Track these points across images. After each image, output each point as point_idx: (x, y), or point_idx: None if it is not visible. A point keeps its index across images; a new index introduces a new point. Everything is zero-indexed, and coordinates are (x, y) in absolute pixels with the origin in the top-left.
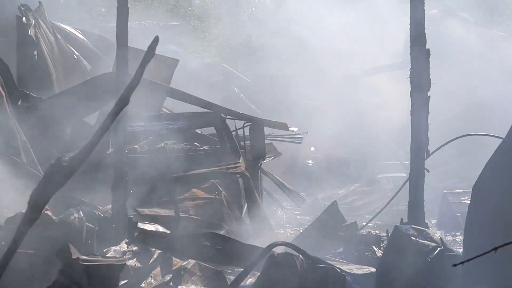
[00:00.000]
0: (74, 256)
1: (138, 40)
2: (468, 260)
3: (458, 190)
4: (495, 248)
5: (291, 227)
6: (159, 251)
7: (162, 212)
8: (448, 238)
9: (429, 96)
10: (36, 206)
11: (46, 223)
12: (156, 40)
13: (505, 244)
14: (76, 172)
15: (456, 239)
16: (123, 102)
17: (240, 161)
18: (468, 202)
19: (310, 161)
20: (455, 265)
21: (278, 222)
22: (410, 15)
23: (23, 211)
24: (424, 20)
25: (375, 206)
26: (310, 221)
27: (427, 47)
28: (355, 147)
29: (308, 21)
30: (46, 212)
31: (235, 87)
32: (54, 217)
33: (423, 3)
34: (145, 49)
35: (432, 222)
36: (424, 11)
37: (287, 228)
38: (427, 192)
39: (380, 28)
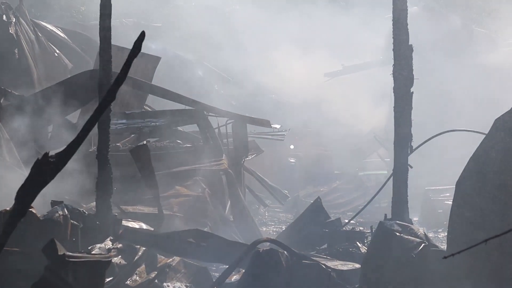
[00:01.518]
0: (60, 252)
1: (120, 38)
2: (458, 252)
3: (440, 187)
4: (485, 240)
5: (274, 224)
6: (144, 248)
7: (146, 209)
8: (430, 235)
9: (412, 92)
10: (22, 204)
11: (30, 220)
12: (142, 35)
13: (495, 236)
14: (62, 168)
15: (438, 236)
16: (109, 97)
17: (223, 158)
18: (450, 199)
19: (291, 159)
20: (445, 257)
21: (260, 220)
22: (392, 11)
23: (7, 209)
24: (407, 15)
25: (357, 204)
26: (293, 219)
27: (409, 43)
28: (335, 144)
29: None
30: (30, 210)
31: (216, 84)
32: (38, 215)
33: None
34: (127, 46)
35: (414, 219)
36: (407, 6)
37: (269, 226)
38: (409, 190)
39: (361, 24)
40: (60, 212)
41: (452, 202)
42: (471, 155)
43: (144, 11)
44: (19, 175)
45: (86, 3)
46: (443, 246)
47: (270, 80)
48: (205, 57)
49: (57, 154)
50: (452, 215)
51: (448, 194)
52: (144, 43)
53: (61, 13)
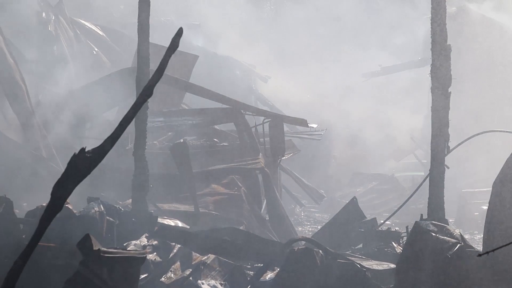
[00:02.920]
0: (95, 248)
1: (158, 36)
2: (493, 250)
3: (477, 189)
4: None
5: (309, 224)
6: (179, 245)
7: (181, 207)
8: (466, 237)
9: (450, 92)
10: (58, 198)
11: (67, 216)
12: (180, 32)
13: None
14: (98, 164)
15: (474, 238)
16: (146, 94)
17: (260, 157)
18: (486, 202)
19: (332, 158)
20: (480, 255)
21: (296, 220)
22: (431, 11)
23: (44, 204)
24: (445, 15)
25: (393, 205)
26: (328, 219)
27: (448, 43)
28: (372, 145)
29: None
30: (66, 205)
31: (253, 83)
32: (74, 211)
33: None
34: (165, 45)
35: (450, 221)
36: (445, 6)
37: (305, 226)
38: (446, 191)
39: (399, 25)
40: (96, 208)
41: (489, 201)
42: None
43: (183, 8)
44: (56, 171)
45: (125, 2)
46: (479, 248)
47: (306, 80)
48: (243, 56)
49: (93, 149)
50: (489, 214)
51: (484, 198)
52: (182, 41)
53: (100, 11)
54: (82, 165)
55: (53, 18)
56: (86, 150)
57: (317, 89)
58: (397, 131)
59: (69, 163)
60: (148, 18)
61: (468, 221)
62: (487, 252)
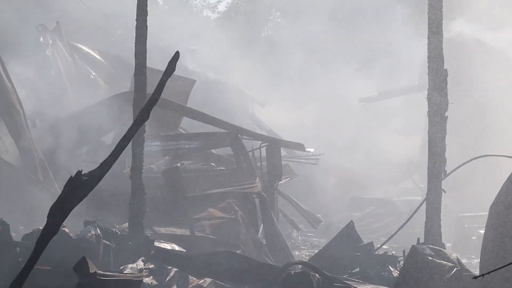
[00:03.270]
0: (91, 271)
1: (155, 61)
2: (488, 273)
3: (474, 213)
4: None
5: (306, 249)
6: (176, 269)
7: (178, 231)
8: (464, 261)
9: (447, 116)
10: (55, 221)
11: (63, 240)
12: (177, 56)
13: None
14: (94, 187)
15: (472, 262)
16: (143, 118)
17: (257, 181)
18: (483, 226)
19: (326, 183)
20: (475, 277)
21: (293, 244)
22: (428, 37)
23: (40, 227)
24: (442, 41)
25: (390, 229)
26: (325, 243)
27: (444, 68)
28: (370, 169)
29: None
30: (63, 229)
31: (250, 108)
32: (71, 234)
33: (441, 25)
34: (162, 69)
35: (448, 245)
36: (442, 32)
37: (302, 250)
38: (443, 215)
39: (397, 50)
40: (93, 232)
41: (486, 225)
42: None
43: (180, 34)
44: (53, 194)
45: (122, 26)
46: (476, 272)
47: (302, 105)
48: (240, 81)
49: (89, 172)
50: (485, 238)
51: (482, 222)
52: (179, 66)
53: (98, 35)
54: (78, 188)
55: (51, 42)
56: (83, 173)
57: (315, 114)
58: (395, 155)
59: (66, 186)
60: (145, 43)
61: (465, 245)
62: (483, 275)
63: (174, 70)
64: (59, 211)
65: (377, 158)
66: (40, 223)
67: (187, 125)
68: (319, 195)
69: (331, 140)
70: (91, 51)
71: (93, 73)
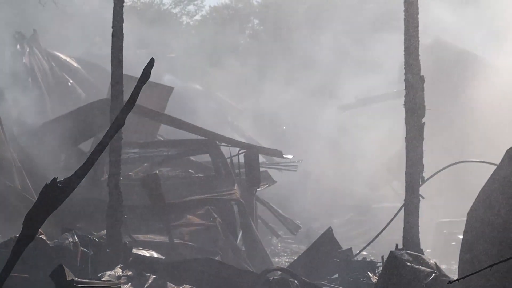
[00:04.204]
0: (68, 278)
1: (133, 69)
2: (464, 277)
3: (452, 219)
4: (491, 266)
5: (286, 255)
6: (154, 276)
7: (156, 238)
8: (443, 267)
9: (424, 123)
10: (30, 228)
11: (40, 247)
12: (151, 62)
13: (500, 262)
14: (70, 194)
15: (451, 268)
16: (118, 124)
17: (235, 188)
18: (462, 231)
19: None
20: (450, 282)
21: (273, 251)
22: (404, 43)
23: (17, 235)
24: (418, 47)
25: (369, 236)
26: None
27: (421, 74)
28: (349, 175)
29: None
30: (40, 236)
31: (229, 116)
32: (48, 242)
33: (418, 31)
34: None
35: (427, 251)
36: (418, 38)
37: (282, 257)
38: (421, 221)
39: (374, 57)
40: (70, 239)
41: (464, 231)
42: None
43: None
44: (30, 202)
45: (100, 34)
46: (455, 278)
47: (283, 112)
48: (219, 88)
49: (65, 179)
50: (463, 244)
51: (461, 228)
52: (158, 74)
53: (76, 43)
54: (54, 195)
55: (28, 50)
56: (58, 180)
57: (294, 120)
58: (374, 161)
59: (41, 194)
60: (122, 50)
61: (445, 251)
62: (458, 280)
63: (149, 76)
64: (35, 218)
65: (356, 165)
66: (17, 231)
67: (165, 132)
68: (298, 202)
69: (310, 146)
70: (68, 59)
71: (71, 81)
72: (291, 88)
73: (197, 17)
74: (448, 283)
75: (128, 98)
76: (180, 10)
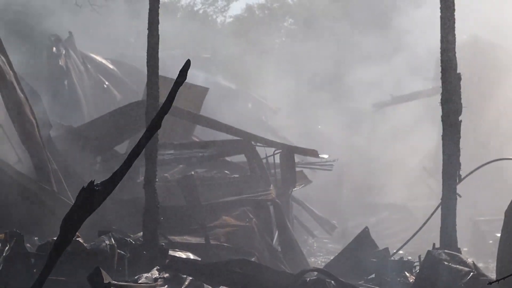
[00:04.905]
0: (105, 281)
1: (168, 70)
2: (503, 278)
3: (490, 218)
4: None
5: (322, 255)
6: (191, 278)
7: (193, 240)
8: (480, 265)
9: (461, 121)
10: (68, 232)
11: (77, 250)
12: (188, 64)
13: None
14: (107, 197)
15: (489, 266)
16: (154, 126)
17: (271, 188)
18: (500, 230)
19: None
20: (490, 283)
21: (309, 251)
22: (441, 40)
23: (54, 238)
24: (455, 44)
25: (405, 234)
26: (341, 249)
27: (458, 72)
28: (385, 174)
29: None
30: (77, 239)
31: (263, 115)
32: (85, 244)
33: (454, 28)
34: (175, 78)
35: (464, 249)
36: (455, 35)
37: (318, 257)
38: (458, 220)
39: (410, 54)
40: (107, 242)
41: (501, 229)
42: None
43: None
44: (67, 205)
45: (134, 35)
46: (493, 277)
47: (316, 112)
48: (254, 88)
49: (102, 182)
50: (501, 243)
51: (498, 225)
52: (193, 74)
53: (111, 45)
54: (91, 198)
55: (64, 52)
56: (95, 183)
57: (328, 119)
58: (410, 160)
59: (78, 197)
60: (157, 50)
61: (482, 249)
62: (497, 280)
63: (185, 78)
64: (72, 221)
65: (392, 163)
66: (55, 234)
67: (200, 133)
68: (334, 201)
69: (345, 145)
70: (104, 61)
71: (106, 83)
72: (325, 87)
73: (231, 16)
74: (488, 284)
75: (165, 101)
76: (213, 9)
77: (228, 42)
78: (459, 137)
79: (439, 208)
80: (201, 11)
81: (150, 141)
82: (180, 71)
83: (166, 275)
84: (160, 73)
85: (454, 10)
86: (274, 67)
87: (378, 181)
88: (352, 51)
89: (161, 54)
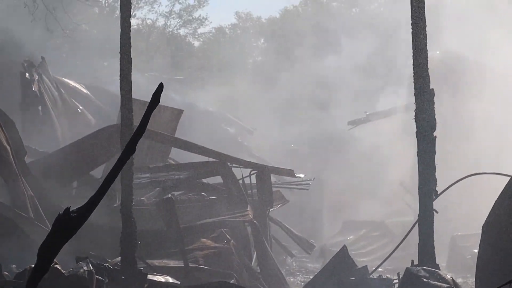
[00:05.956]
0: None
1: (142, 92)
2: None
3: (468, 232)
4: (509, 282)
5: (301, 274)
6: None
7: (171, 263)
8: (459, 280)
9: (435, 136)
10: (45, 259)
11: (55, 277)
12: (161, 87)
13: None
14: (84, 223)
15: (468, 281)
16: (129, 151)
17: (248, 209)
18: (477, 245)
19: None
20: None
21: (288, 270)
22: (413, 56)
23: (32, 266)
24: (427, 60)
25: (384, 251)
26: (320, 268)
27: (431, 87)
28: (362, 192)
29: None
30: (55, 266)
31: (239, 136)
32: (63, 271)
33: (426, 44)
34: (148, 100)
35: (442, 265)
36: (427, 52)
37: (297, 276)
38: (436, 235)
39: (384, 71)
40: (85, 268)
41: (479, 245)
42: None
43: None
44: (44, 231)
45: (108, 59)
46: None
47: (291, 131)
48: (228, 109)
49: (78, 209)
50: (479, 257)
51: (476, 241)
52: (168, 96)
53: (84, 69)
54: (67, 225)
55: (37, 77)
56: (71, 209)
57: (304, 139)
58: (388, 176)
59: (54, 224)
60: (130, 73)
61: (460, 264)
62: None
63: (158, 102)
64: (49, 249)
65: (369, 180)
66: (32, 261)
67: (176, 155)
68: (312, 220)
69: (322, 163)
70: (77, 85)
71: (81, 107)
72: (301, 103)
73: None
74: None
75: (138, 125)
76: (186, 32)
77: (201, 63)
78: (434, 153)
79: (417, 224)
80: (174, 33)
81: (125, 165)
82: (153, 94)
83: None
84: (135, 96)
85: (425, 26)
86: (248, 86)
87: (355, 198)
88: (326, 68)
89: (134, 77)
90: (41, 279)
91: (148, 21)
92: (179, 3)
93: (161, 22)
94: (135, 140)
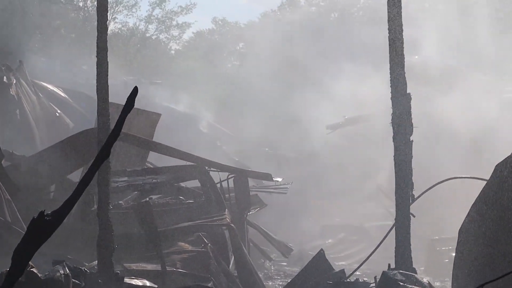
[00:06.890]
0: None
1: (121, 96)
2: None
3: (444, 236)
4: (482, 285)
5: (280, 278)
6: None
7: (148, 266)
8: (437, 284)
9: (412, 141)
10: (19, 263)
11: (32, 280)
12: (135, 91)
13: (491, 281)
14: (58, 226)
15: (446, 285)
16: (103, 155)
17: (226, 213)
18: (454, 248)
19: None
20: None
21: (266, 274)
22: (389, 60)
23: (7, 269)
24: (404, 65)
25: (363, 255)
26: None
27: (407, 91)
28: (340, 195)
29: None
30: (31, 269)
31: (218, 140)
32: (39, 275)
33: (402, 46)
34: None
35: (420, 269)
36: (403, 56)
37: (275, 280)
38: (413, 240)
39: (363, 76)
40: (61, 271)
41: (455, 249)
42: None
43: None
44: (21, 235)
45: (87, 62)
46: None
47: (271, 134)
48: (208, 113)
49: (53, 212)
50: (456, 261)
51: (453, 244)
52: (146, 99)
53: (63, 73)
54: (42, 229)
55: (14, 81)
56: (46, 213)
57: (283, 142)
58: (364, 180)
59: (29, 227)
60: (107, 77)
61: (438, 268)
62: None
63: (133, 105)
64: (24, 252)
65: (347, 184)
66: (8, 265)
67: (154, 159)
68: (290, 224)
69: (299, 167)
70: (55, 89)
71: (59, 111)
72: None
73: (183, 42)
74: None
75: (113, 129)
76: (166, 36)
77: (180, 67)
78: (411, 157)
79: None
80: (153, 37)
81: (102, 169)
82: (128, 98)
83: None
84: (114, 100)
85: (402, 31)
86: (228, 91)
87: (334, 202)
88: (305, 71)
89: (112, 81)
90: (16, 283)
91: (130, 25)
92: (160, 8)
93: (141, 26)
94: (109, 143)
